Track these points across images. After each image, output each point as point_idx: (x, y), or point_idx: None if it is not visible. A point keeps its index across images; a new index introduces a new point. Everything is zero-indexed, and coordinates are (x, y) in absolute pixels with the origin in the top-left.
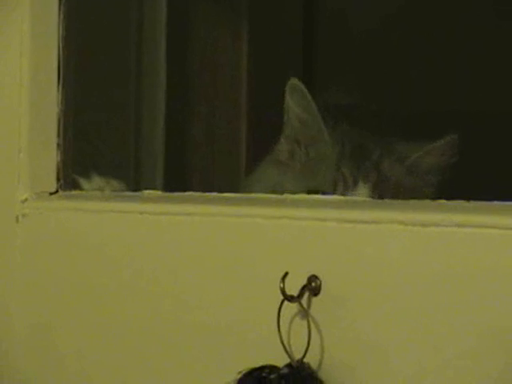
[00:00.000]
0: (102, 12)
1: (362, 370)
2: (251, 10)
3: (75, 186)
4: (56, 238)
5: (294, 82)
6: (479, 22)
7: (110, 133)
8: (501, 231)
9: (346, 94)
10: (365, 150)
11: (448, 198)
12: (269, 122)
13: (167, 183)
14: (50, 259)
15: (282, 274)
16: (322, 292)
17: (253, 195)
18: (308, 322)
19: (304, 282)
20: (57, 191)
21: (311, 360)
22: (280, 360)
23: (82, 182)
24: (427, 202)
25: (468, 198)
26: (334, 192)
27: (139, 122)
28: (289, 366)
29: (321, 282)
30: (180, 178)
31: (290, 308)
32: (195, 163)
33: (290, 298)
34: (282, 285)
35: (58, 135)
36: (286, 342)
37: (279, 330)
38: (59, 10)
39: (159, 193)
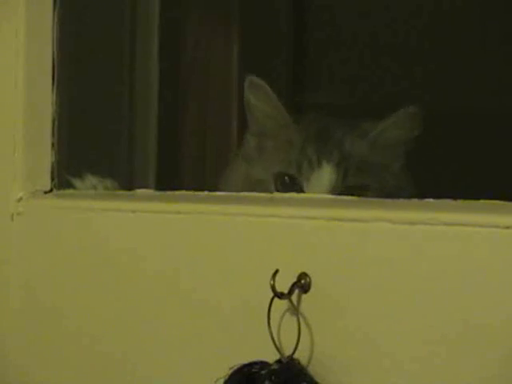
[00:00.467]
0: (96, 14)
1: (352, 366)
2: (242, 9)
3: (69, 185)
4: (50, 236)
5: (252, 78)
6: None
7: (103, 132)
8: (487, 229)
9: (332, 93)
10: (328, 131)
11: (416, 171)
12: None
13: (159, 182)
14: (44, 257)
15: (272, 271)
16: (311, 289)
17: (243, 194)
18: (298, 318)
19: (294, 279)
20: (51, 190)
21: (301, 356)
22: (270, 356)
23: (75, 182)
24: (415, 200)
25: (455, 197)
26: (298, 174)
27: (132, 121)
28: (279, 362)
29: (310, 279)
30: (172, 177)
31: (280, 305)
32: (187, 162)
33: (280, 295)
34: (272, 282)
35: (53, 135)
36: (276, 339)
37: (269, 327)
38: (53, 11)
39: (152, 192)
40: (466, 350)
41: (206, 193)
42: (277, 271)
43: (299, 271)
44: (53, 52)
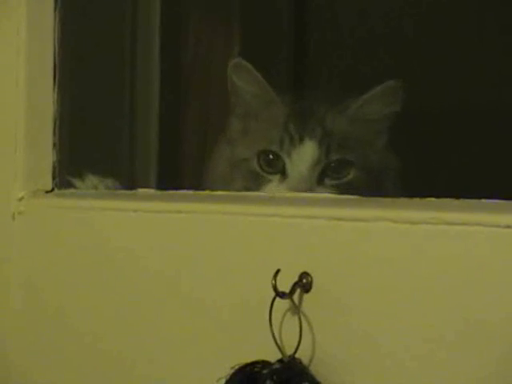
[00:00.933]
0: (97, 13)
1: (353, 365)
2: (243, 8)
3: (70, 184)
4: (52, 235)
5: (236, 61)
6: None
7: (104, 132)
8: (488, 229)
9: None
10: (311, 108)
11: (398, 147)
12: None
13: (161, 181)
14: (45, 256)
15: (273, 271)
16: (313, 289)
17: (245, 193)
18: (299, 318)
19: (295, 278)
20: (52, 189)
21: (302, 356)
22: (272, 356)
23: (76, 182)
24: (416, 200)
25: (457, 197)
26: (281, 151)
27: (133, 120)
28: (280, 361)
29: (312, 278)
30: (173, 176)
31: (282, 304)
32: (188, 162)
33: (282, 295)
34: (273, 282)
35: (54, 134)
36: (277, 338)
37: (271, 326)
38: (55, 10)
39: (153, 191)
40: (467, 349)
41: (206, 192)
42: (278, 271)
43: (300, 271)
44: (54, 51)
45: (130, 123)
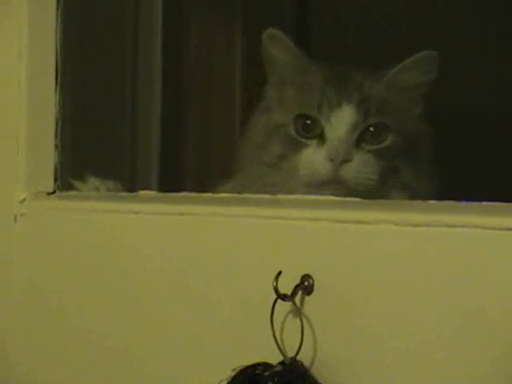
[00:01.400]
0: (99, 14)
1: (355, 367)
2: (245, 8)
3: (72, 186)
4: (53, 237)
5: (270, 31)
6: None
7: (106, 134)
8: (489, 231)
9: None
10: (348, 74)
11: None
12: None
13: (162, 184)
14: (47, 258)
15: (275, 273)
16: (314, 291)
17: (246, 195)
18: (301, 320)
19: (297, 281)
20: (54, 191)
21: (304, 358)
22: (273, 358)
23: (78, 184)
24: (418, 202)
25: (458, 199)
26: (319, 115)
27: (135, 122)
28: (282, 363)
29: (313, 281)
30: (175, 178)
31: (284, 307)
32: (190, 163)
33: (284, 297)
34: (275, 284)
35: (56, 136)
36: (279, 340)
37: (272, 328)
38: (57, 11)
39: (154, 193)
40: (468, 350)
41: (208, 194)
42: (280, 273)
43: (302, 273)
44: (56, 52)
45: (132, 125)
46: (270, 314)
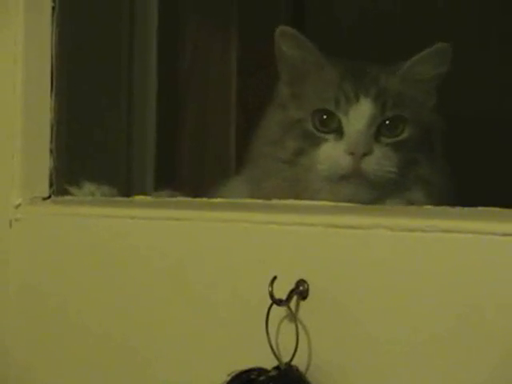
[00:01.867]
0: (94, 20)
1: (350, 372)
2: (241, 13)
3: (67, 192)
4: (49, 242)
5: (282, 28)
6: None
7: (101, 139)
8: (485, 237)
9: None
10: (363, 69)
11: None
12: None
13: (157, 189)
14: (43, 263)
15: (270, 278)
16: (309, 296)
17: (241, 200)
18: (296, 325)
19: (292, 286)
20: (49, 196)
21: (299, 363)
22: (268, 363)
23: (73, 190)
24: (414, 207)
25: (453, 204)
26: (337, 109)
27: (130, 128)
28: (277, 368)
29: (308, 286)
30: (170, 183)
31: (279, 312)
32: (186, 168)
33: (279, 302)
34: (270, 289)
35: (51, 141)
36: (274, 345)
37: (267, 333)
38: (52, 19)
39: (149, 198)
40: (464, 355)
41: (204, 199)
42: (275, 278)
43: (297, 278)
44: (51, 58)
45: (127, 130)
46: (265, 319)
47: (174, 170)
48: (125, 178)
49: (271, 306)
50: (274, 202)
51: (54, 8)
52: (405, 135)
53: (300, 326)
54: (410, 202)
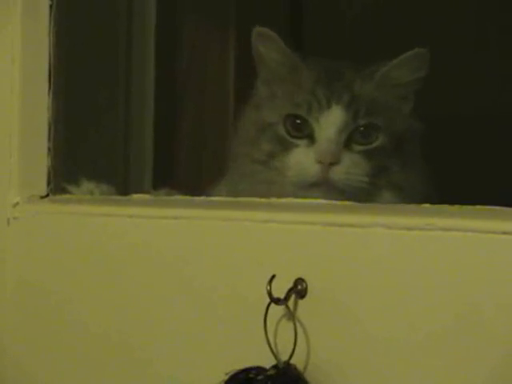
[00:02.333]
0: (92, 20)
1: (348, 371)
2: (239, 13)
3: (65, 190)
4: (46, 240)
5: (259, 29)
6: None
7: (99, 137)
8: (484, 235)
9: None
10: (338, 73)
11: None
12: None
13: (156, 187)
14: (41, 262)
15: (268, 276)
16: (308, 295)
17: (240, 199)
18: (294, 324)
19: (290, 284)
20: (47, 195)
21: (297, 362)
22: (267, 362)
23: (71, 188)
24: (412, 206)
25: (452, 203)
26: (308, 115)
27: (128, 126)
28: (275, 367)
29: (307, 284)
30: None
31: (277, 310)
32: (184, 167)
33: (277, 301)
34: (268, 287)
35: (49, 140)
36: (272, 344)
37: (266, 332)
38: (50, 17)
39: (148, 197)
40: (463, 353)
41: (202, 198)
42: (273, 277)
43: (296, 277)
44: (49, 57)
45: (125, 129)
46: (263, 318)
47: (172, 168)
48: (123, 177)
49: (269, 304)
50: (273, 200)
51: (51, 6)
52: (378, 143)
53: (298, 325)
54: None
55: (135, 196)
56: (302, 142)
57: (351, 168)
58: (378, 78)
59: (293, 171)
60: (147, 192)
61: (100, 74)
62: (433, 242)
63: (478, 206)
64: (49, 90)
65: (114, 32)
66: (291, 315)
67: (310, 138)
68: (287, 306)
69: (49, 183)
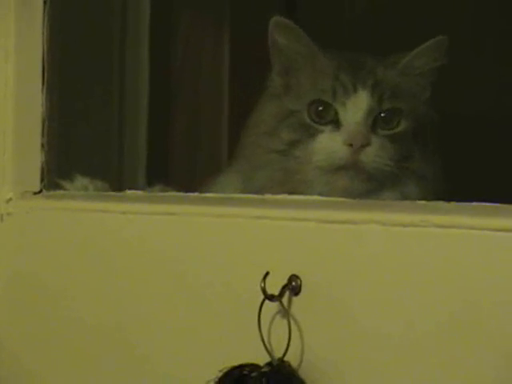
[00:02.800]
0: (86, 16)
1: (342, 368)
2: (233, 9)
3: (59, 186)
4: (40, 236)
5: (277, 19)
6: None
7: (93, 133)
8: (479, 232)
9: None
10: (359, 61)
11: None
12: None
13: (150, 183)
14: (34, 258)
15: (262, 273)
16: (302, 291)
17: (234, 195)
18: (288, 320)
19: (285, 281)
20: (41, 191)
21: (292, 359)
22: (261, 358)
23: (65, 184)
24: (407, 202)
25: (448, 199)
26: (334, 100)
27: (122, 122)
28: (269, 364)
29: (301, 281)
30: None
31: (271, 307)
32: (178, 163)
33: (271, 298)
34: (262, 284)
35: (43, 136)
36: (266, 341)
37: (260, 329)
38: (43, 14)
39: (141, 193)
40: (459, 351)
41: (196, 194)
42: (267, 273)
43: (290, 273)
44: (43, 54)
45: (119, 125)
46: (257, 315)
47: (166, 165)
48: (117, 173)
49: (263, 301)
50: (267, 196)
51: (45, 2)
52: (400, 128)
53: (292, 322)
54: (404, 196)
55: (129, 192)
56: (327, 128)
57: (380, 151)
58: (402, 66)
59: (319, 156)
60: (141, 189)
61: (94, 70)
62: (428, 238)
63: (474, 203)
64: (42, 86)
65: (107, 28)
66: (285, 312)
67: (335, 123)
68: (281, 303)
69: (42, 179)
